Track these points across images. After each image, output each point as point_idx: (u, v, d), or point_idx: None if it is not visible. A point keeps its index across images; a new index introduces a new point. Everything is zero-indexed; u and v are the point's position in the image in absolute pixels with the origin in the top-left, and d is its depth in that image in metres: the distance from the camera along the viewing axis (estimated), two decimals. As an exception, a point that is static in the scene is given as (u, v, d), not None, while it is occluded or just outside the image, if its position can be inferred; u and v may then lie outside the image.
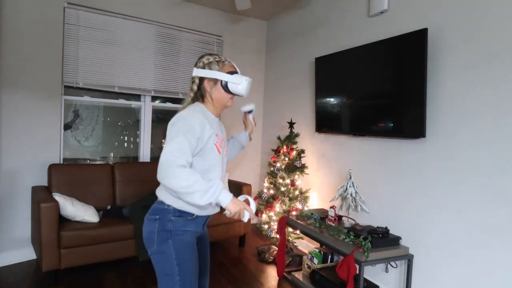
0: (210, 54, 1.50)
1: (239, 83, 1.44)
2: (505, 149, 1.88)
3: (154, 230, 1.38)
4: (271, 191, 3.32)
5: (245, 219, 1.33)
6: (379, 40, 2.57)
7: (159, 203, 1.42)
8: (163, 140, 4.06)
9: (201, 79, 1.47)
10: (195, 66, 1.49)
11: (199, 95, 1.49)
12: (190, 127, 1.33)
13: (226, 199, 1.28)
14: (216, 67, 1.46)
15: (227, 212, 1.30)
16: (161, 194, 1.42)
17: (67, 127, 3.36)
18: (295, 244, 3.40)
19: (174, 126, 1.35)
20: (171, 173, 1.22)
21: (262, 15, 4.23)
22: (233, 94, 1.48)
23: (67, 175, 3.00)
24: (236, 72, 1.48)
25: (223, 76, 1.44)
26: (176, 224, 1.38)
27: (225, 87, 1.45)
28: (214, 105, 1.49)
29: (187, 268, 1.38)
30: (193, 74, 1.48)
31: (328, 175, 3.25)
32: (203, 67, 1.46)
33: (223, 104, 1.50)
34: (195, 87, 1.48)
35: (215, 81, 1.46)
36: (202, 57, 1.49)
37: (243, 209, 1.31)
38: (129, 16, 3.48)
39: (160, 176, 1.25)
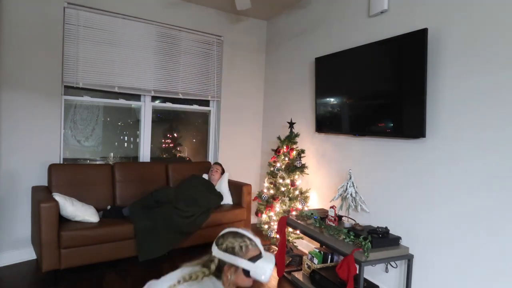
0: (234, 235, 1.36)
1: (263, 273, 1.32)
2: (505, 148, 1.88)
3: None
4: (271, 191, 3.32)
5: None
6: (379, 40, 2.57)
7: None
8: (162, 140, 4.07)
9: (222, 261, 1.33)
10: (216, 243, 1.36)
11: (216, 273, 1.34)
12: None
13: None
14: (240, 254, 1.32)
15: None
16: None
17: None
18: (295, 244, 3.40)
19: None
20: None
21: (262, 15, 4.23)
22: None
23: (67, 175, 3.00)
24: (260, 255, 1.36)
25: (245, 265, 1.31)
26: None
27: (247, 273, 1.33)
28: (230, 285, 1.36)
29: None
30: (213, 254, 1.35)
31: (328, 175, 3.25)
32: (225, 250, 1.33)
33: (242, 285, 1.38)
34: (213, 267, 1.33)
35: (236, 267, 1.32)
36: (225, 236, 1.36)
37: None
38: (129, 16, 3.48)
39: None
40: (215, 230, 3.20)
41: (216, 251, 1.34)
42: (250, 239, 1.36)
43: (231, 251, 1.32)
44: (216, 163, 3.81)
